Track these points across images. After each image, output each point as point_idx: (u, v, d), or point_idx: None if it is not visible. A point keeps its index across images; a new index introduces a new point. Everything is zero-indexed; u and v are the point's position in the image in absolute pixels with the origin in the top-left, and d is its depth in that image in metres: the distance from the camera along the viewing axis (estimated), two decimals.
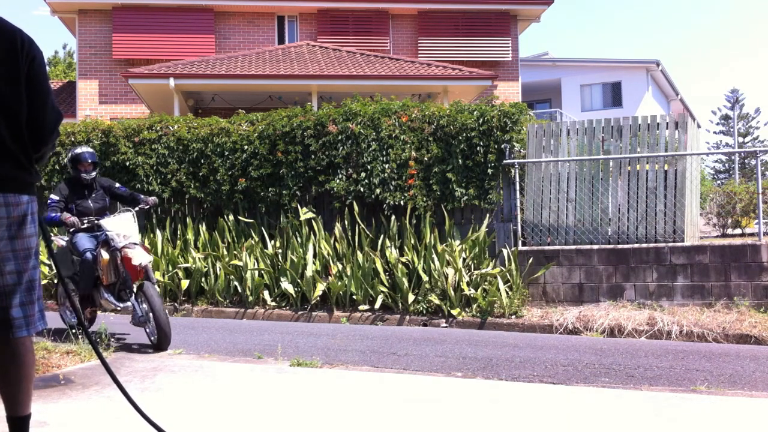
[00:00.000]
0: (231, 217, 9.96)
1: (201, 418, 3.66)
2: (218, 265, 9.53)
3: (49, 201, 6.24)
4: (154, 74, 15.28)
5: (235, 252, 9.66)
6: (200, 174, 10.19)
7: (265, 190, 9.94)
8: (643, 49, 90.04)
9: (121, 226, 6.20)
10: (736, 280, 8.18)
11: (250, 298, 9.27)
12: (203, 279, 9.59)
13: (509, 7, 19.91)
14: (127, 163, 10.25)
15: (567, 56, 37.35)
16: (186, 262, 9.72)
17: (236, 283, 9.41)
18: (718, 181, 41.14)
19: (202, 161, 10.21)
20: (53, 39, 70.29)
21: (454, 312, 8.51)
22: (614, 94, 32.17)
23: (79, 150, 6.44)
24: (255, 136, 10.06)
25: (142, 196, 6.64)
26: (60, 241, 6.71)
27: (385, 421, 3.62)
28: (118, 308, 6.18)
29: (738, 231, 13.79)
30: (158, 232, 9.98)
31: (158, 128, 10.42)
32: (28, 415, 2.57)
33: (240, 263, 9.43)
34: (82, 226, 6.24)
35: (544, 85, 31.60)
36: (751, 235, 11.49)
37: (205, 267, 9.58)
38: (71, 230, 6.36)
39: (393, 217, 9.43)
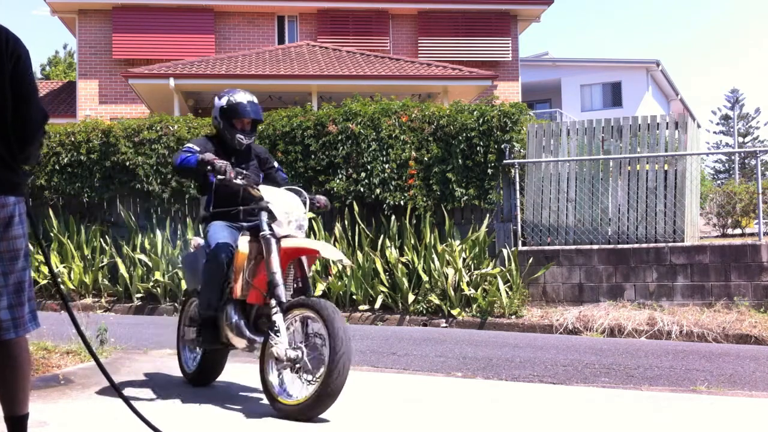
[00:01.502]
0: None
1: (201, 418, 3.66)
2: None
3: (184, 147, 4.26)
4: (154, 74, 15.28)
5: None
6: None
7: None
8: (643, 49, 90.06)
9: (291, 203, 4.01)
10: (736, 280, 8.18)
11: None
12: None
13: (509, 7, 19.91)
14: (127, 163, 10.25)
15: (567, 56, 37.37)
16: None
17: None
18: (718, 181, 41.12)
19: None
20: (53, 39, 70.30)
21: (454, 312, 8.51)
22: (614, 94, 32.18)
23: (238, 97, 4.33)
24: None
25: (305, 193, 4.28)
26: (197, 240, 4.58)
27: (385, 420, 3.62)
28: (255, 344, 3.85)
29: (738, 231, 13.78)
30: (158, 232, 9.98)
31: (158, 128, 10.42)
32: (26, 415, 2.57)
33: None
34: (237, 180, 3.97)
35: (544, 85, 31.60)
36: (751, 235, 11.48)
37: None
38: (209, 208, 4.27)
39: (393, 217, 9.43)
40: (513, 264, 8.67)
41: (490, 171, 9.32)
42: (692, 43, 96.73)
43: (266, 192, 3.99)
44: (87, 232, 10.25)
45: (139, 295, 9.75)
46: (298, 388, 3.58)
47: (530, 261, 8.82)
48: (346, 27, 19.53)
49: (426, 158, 9.52)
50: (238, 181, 3.98)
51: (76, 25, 19.25)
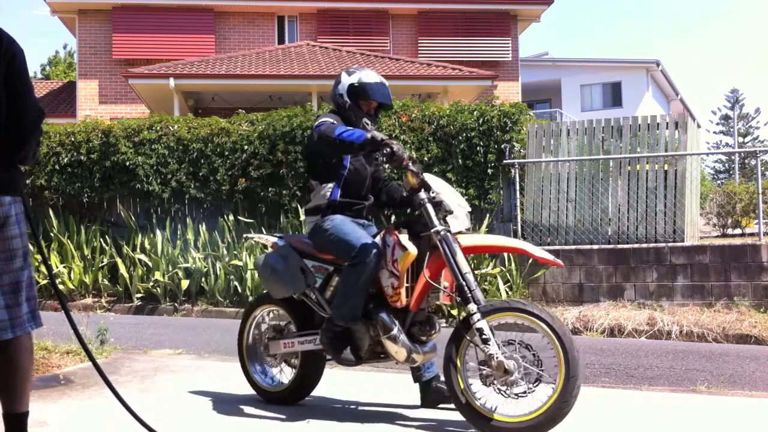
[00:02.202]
0: (231, 217, 9.96)
1: (201, 418, 3.66)
2: (218, 265, 9.53)
3: (327, 120, 3.62)
4: (154, 74, 15.29)
5: (235, 252, 9.66)
6: (200, 174, 10.19)
7: (265, 190, 9.94)
8: (643, 49, 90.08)
9: (458, 194, 3.65)
10: (736, 280, 8.18)
11: (250, 298, 9.27)
12: (203, 279, 9.59)
13: (509, 7, 19.92)
14: (127, 163, 10.25)
15: (567, 56, 37.38)
16: (186, 262, 9.72)
17: (236, 283, 9.41)
18: (718, 181, 41.11)
19: (202, 161, 10.20)
20: (53, 39, 70.34)
21: (454, 312, 8.51)
22: (614, 94, 32.18)
23: (369, 77, 3.82)
24: (255, 136, 10.06)
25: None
26: (271, 239, 4.07)
27: (385, 419, 3.62)
28: (417, 355, 3.54)
29: (738, 231, 13.77)
30: (158, 232, 9.98)
31: (158, 128, 10.42)
32: (25, 413, 2.55)
33: (240, 263, 9.43)
34: (411, 167, 3.48)
35: (544, 85, 31.60)
36: (751, 235, 11.48)
37: (205, 267, 9.58)
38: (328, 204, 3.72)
39: (393, 217, 9.42)
40: (513, 264, 8.67)
41: (490, 171, 9.33)
42: (692, 43, 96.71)
43: (432, 181, 3.49)
44: (87, 232, 10.25)
45: (139, 295, 9.75)
46: (517, 404, 3.21)
47: (530, 261, 8.82)
48: (346, 27, 19.53)
49: (426, 158, 9.52)
50: (412, 167, 3.46)
51: (76, 25, 19.25)
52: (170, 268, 9.68)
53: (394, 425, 3.53)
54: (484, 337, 3.23)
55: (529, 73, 28.89)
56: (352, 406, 3.95)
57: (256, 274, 9.30)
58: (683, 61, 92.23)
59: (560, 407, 3.10)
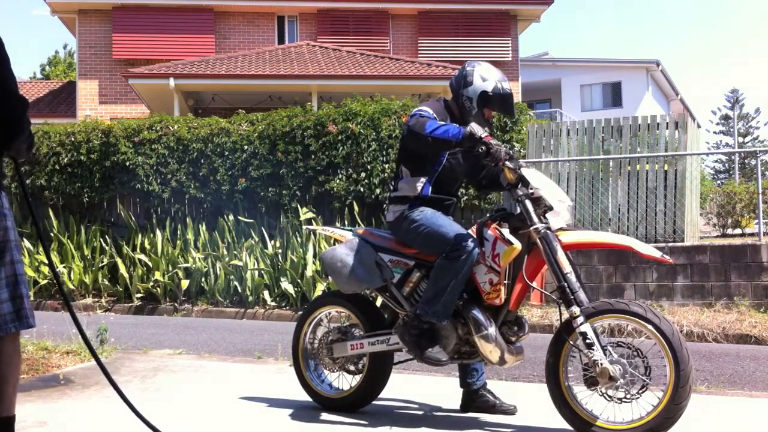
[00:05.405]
0: (231, 217, 9.96)
1: (201, 418, 3.66)
2: (218, 265, 9.53)
3: (421, 112, 3.40)
4: (154, 74, 15.29)
5: (235, 252, 9.67)
6: (200, 174, 10.19)
7: (265, 190, 9.94)
8: (643, 49, 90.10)
9: (559, 188, 3.46)
10: (736, 280, 8.18)
11: (250, 298, 9.28)
12: (203, 279, 9.59)
13: (509, 7, 19.92)
14: (127, 163, 10.26)
15: (567, 56, 37.37)
16: (186, 262, 9.73)
17: (236, 283, 9.41)
18: (718, 181, 41.11)
19: (202, 161, 10.21)
20: (53, 39, 70.36)
21: None
22: (614, 94, 32.18)
23: (504, 85, 3.50)
24: (255, 136, 10.06)
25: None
26: (339, 232, 3.89)
27: (386, 419, 3.62)
28: (507, 357, 3.31)
29: (738, 231, 13.76)
30: (158, 232, 9.98)
31: (158, 128, 10.42)
32: (11, 417, 2.46)
33: (240, 263, 9.43)
34: (508, 163, 3.22)
35: (544, 85, 31.60)
36: (751, 235, 11.47)
37: (205, 267, 9.58)
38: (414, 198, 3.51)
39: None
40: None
41: None
42: (692, 43, 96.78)
43: (530, 176, 3.30)
44: (87, 232, 10.26)
45: (139, 295, 9.75)
46: (621, 409, 3.10)
47: None
48: (346, 27, 19.53)
49: None
50: (509, 164, 3.24)
51: (76, 25, 19.25)
52: (170, 268, 9.69)
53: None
54: (587, 341, 3.10)
55: (529, 73, 28.88)
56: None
57: (256, 274, 9.30)
58: (683, 61, 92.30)
59: (667, 417, 2.97)
